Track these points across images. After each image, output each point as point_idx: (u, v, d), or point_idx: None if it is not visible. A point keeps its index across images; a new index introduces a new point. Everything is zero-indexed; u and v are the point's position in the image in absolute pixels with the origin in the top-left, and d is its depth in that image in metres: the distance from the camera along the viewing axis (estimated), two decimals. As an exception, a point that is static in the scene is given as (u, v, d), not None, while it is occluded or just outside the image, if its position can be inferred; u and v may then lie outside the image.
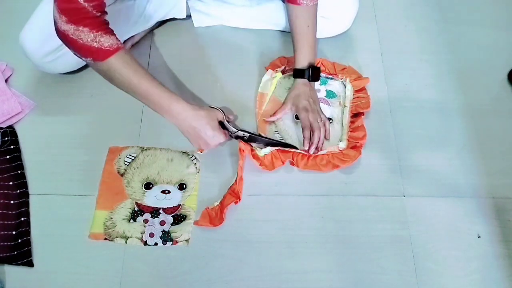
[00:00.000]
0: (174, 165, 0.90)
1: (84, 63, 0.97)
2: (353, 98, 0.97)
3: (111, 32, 0.74)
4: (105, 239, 0.83)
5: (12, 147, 0.91)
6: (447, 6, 1.15)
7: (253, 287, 0.80)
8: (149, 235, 0.84)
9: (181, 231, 0.84)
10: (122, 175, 0.89)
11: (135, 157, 0.91)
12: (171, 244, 0.83)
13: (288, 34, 1.06)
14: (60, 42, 0.86)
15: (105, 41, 0.72)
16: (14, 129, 0.94)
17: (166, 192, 0.88)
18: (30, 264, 0.81)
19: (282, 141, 0.92)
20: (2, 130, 0.92)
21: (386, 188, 0.89)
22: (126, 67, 0.75)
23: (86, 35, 0.70)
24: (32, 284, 0.80)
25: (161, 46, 1.06)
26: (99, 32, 0.71)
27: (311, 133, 0.89)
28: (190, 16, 1.05)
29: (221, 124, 0.87)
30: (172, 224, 0.85)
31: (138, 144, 0.93)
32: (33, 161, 0.91)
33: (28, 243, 0.82)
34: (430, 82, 1.03)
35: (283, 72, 1.01)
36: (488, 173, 0.91)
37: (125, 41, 1.02)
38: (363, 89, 0.99)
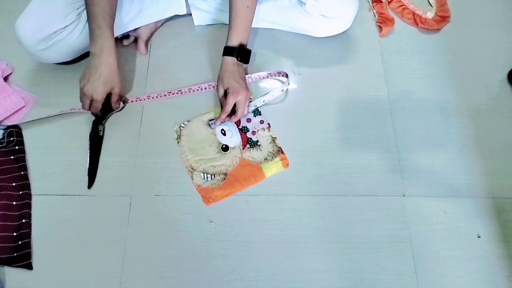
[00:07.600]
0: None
1: (78, 54, 0.97)
2: None
3: None
4: None
5: (17, 147, 0.90)
6: (447, 6, 1.15)
7: (253, 287, 0.80)
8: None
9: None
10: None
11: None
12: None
13: (289, 33, 1.06)
14: (52, 30, 0.88)
15: None
16: (20, 129, 0.93)
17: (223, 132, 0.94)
18: (29, 267, 0.81)
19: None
20: (8, 130, 0.92)
21: (386, 188, 0.89)
22: None
23: None
24: (32, 284, 0.80)
25: (161, 44, 1.06)
26: None
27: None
28: (191, 14, 1.06)
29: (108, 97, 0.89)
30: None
31: (137, 146, 0.92)
32: (33, 161, 0.91)
33: (28, 245, 0.82)
34: (430, 82, 1.03)
35: None
36: (487, 173, 0.92)
37: (124, 37, 1.02)
38: None
